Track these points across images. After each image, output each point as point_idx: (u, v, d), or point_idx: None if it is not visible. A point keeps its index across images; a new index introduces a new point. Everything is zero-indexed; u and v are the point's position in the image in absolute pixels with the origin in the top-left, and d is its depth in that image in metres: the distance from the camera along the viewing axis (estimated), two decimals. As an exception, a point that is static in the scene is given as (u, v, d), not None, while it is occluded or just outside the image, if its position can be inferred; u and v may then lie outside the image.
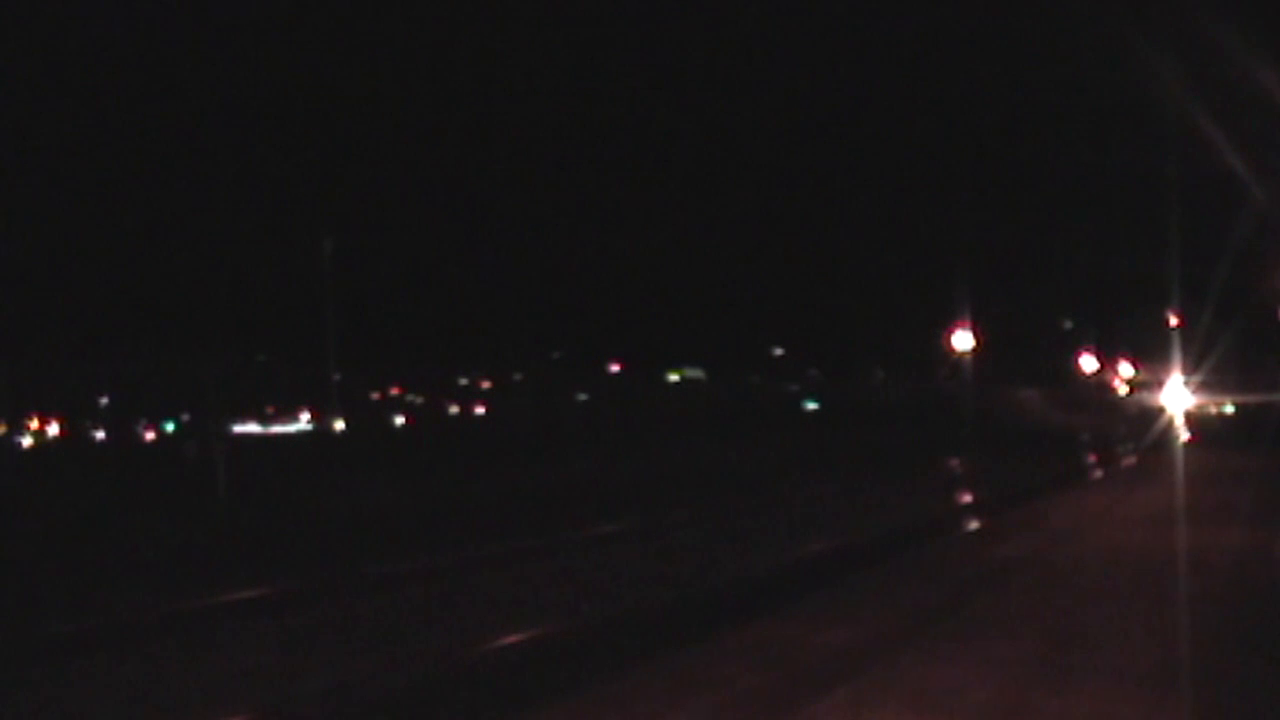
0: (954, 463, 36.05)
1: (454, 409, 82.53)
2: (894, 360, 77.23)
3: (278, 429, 69.94)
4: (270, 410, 73.52)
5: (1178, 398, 39.57)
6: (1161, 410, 41.36)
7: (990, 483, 27.93)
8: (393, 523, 20.55)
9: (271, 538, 19.06)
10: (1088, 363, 57.52)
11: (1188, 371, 38.58)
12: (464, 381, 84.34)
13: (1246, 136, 20.98)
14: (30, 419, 67.37)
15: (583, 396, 77.73)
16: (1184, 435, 39.03)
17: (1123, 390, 60.87)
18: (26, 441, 64.43)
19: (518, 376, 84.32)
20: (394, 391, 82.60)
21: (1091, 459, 37.17)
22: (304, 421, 71.30)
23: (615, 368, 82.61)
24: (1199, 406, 42.54)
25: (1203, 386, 40.36)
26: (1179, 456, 31.63)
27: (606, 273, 73.40)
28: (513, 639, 10.21)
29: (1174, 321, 44.12)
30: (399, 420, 77.10)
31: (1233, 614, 9.56)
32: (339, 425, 55.11)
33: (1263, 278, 35.08)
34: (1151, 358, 51.35)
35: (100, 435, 67.68)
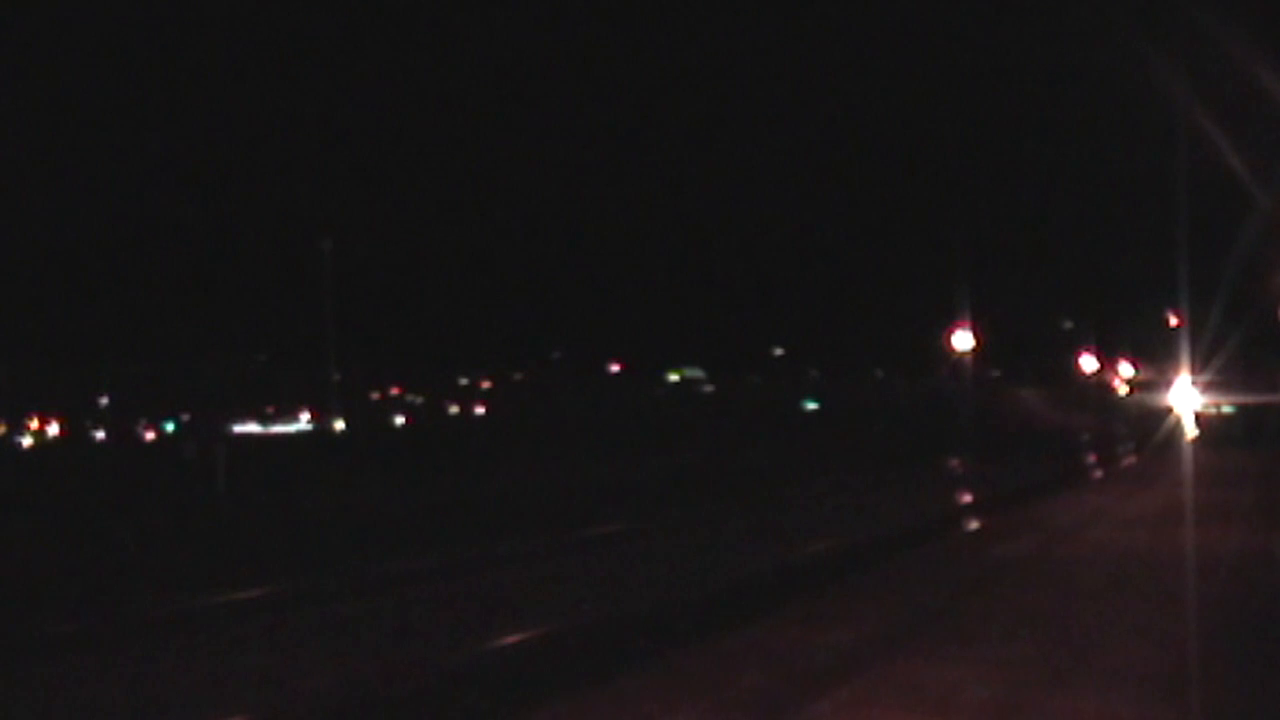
0: (954, 463, 36.06)
1: (454, 409, 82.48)
2: (894, 360, 77.23)
3: (278, 429, 69.86)
4: (270, 410, 73.42)
5: (1185, 398, 39.58)
6: (1169, 410, 41.31)
7: (990, 483, 27.93)
8: (393, 523, 20.55)
9: (271, 538, 19.05)
10: (1088, 363, 57.51)
11: (1195, 371, 38.59)
12: (464, 381, 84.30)
13: (1250, 138, 20.98)
14: (30, 419, 67.31)
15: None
16: (1192, 433, 39.06)
17: (1122, 390, 60.84)
18: (26, 441, 64.37)
19: (518, 376, 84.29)
20: (394, 391, 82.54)
21: (1091, 459, 37.17)
22: (304, 421, 71.23)
23: (615, 368, 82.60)
24: (1204, 407, 42.51)
25: (1208, 387, 40.34)
26: (1179, 456, 31.63)
27: (606, 273, 73.40)
28: (513, 639, 10.21)
29: (1174, 322, 44.09)
30: (399, 420, 77.05)
31: (1233, 615, 9.56)
32: (339, 425, 55.09)
33: (1264, 279, 35.06)
34: (1152, 358, 51.36)
35: (100, 435, 67.60)
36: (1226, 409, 45.77)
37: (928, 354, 57.01)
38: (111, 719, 8.43)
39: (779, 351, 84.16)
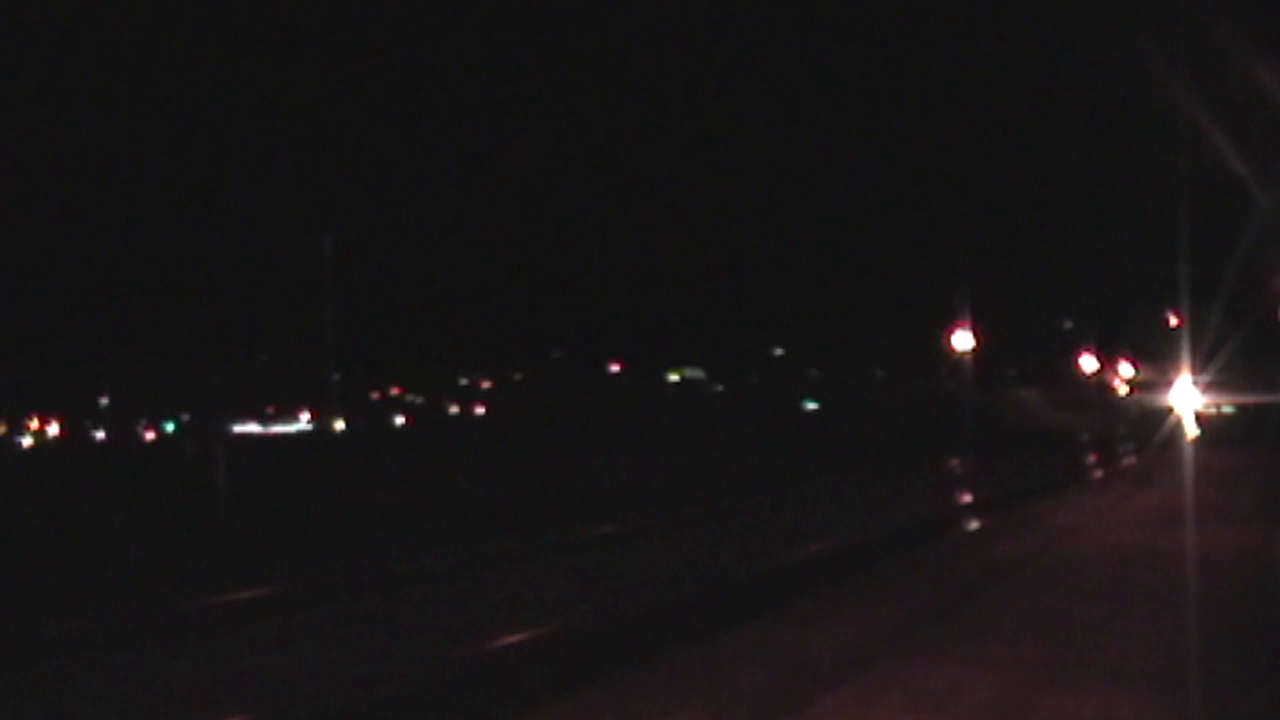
0: (954, 463, 36.06)
1: (454, 409, 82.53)
2: (894, 360, 77.22)
3: (278, 429, 69.88)
4: (270, 410, 73.43)
5: (1187, 398, 39.64)
6: (1169, 410, 41.37)
7: (990, 482, 27.93)
8: (393, 523, 20.55)
9: (271, 538, 19.05)
10: (1088, 363, 57.49)
11: (1196, 371, 38.66)
12: (464, 381, 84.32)
13: (1251, 139, 20.96)
14: (30, 419, 67.33)
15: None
16: (1193, 433, 39.14)
17: (1122, 390, 60.83)
18: (26, 441, 64.40)
19: (518, 376, 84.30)
20: (394, 391, 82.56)
21: (1091, 459, 37.17)
22: (304, 421, 71.23)
23: (615, 368, 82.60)
24: (1204, 407, 42.56)
25: (1209, 387, 40.38)
26: (1179, 456, 31.64)
27: (607, 273, 73.36)
28: (513, 639, 10.22)
29: (1174, 322, 44.10)
30: (399, 420, 77.09)
31: (1233, 614, 9.56)
32: (339, 425, 55.12)
33: (1264, 279, 35.06)
34: (1153, 358, 51.33)
35: (100, 435, 67.62)
36: (1227, 409, 45.81)
37: (928, 354, 57.00)
38: (112, 719, 8.44)
39: (779, 351, 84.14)
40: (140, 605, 12.44)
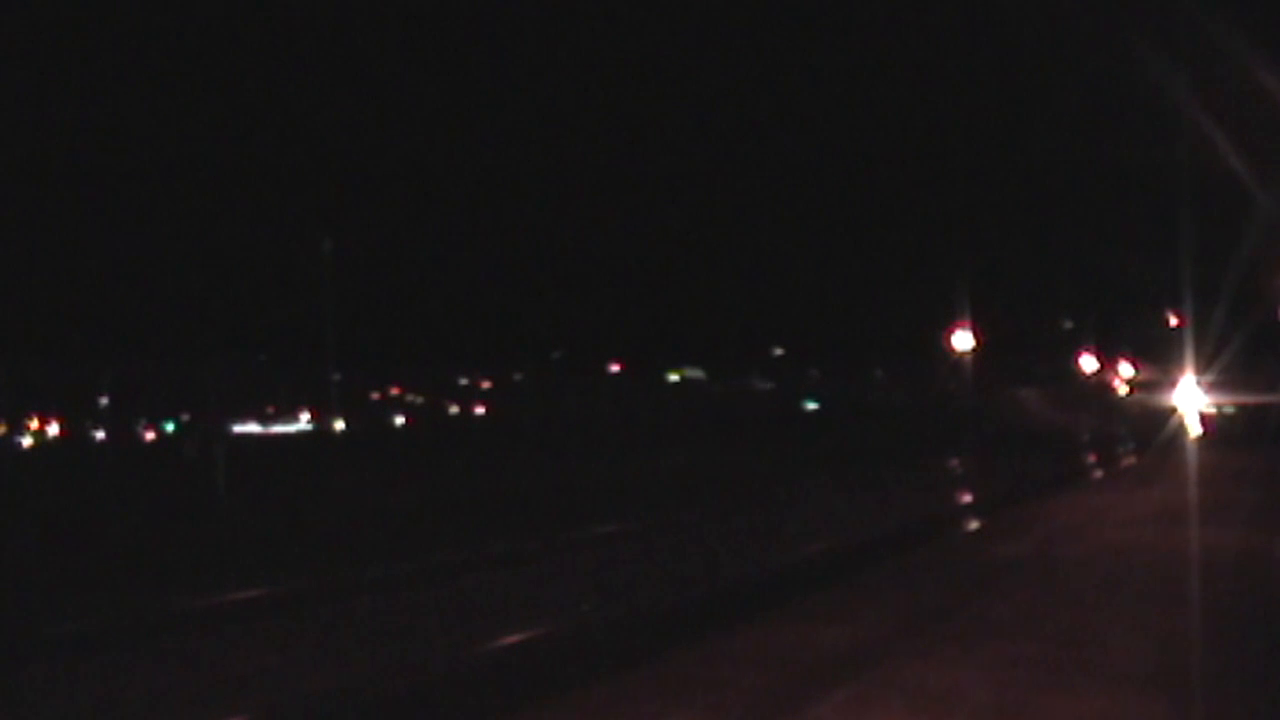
0: (954, 463, 36.05)
1: (454, 409, 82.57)
2: (894, 360, 77.18)
3: (278, 429, 69.89)
4: (270, 410, 73.45)
5: (1190, 398, 39.64)
6: (1172, 410, 41.36)
7: (990, 483, 27.91)
8: (392, 523, 20.55)
9: (271, 538, 19.05)
10: (1088, 363, 57.49)
11: (1198, 371, 38.66)
12: (464, 381, 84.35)
13: (1252, 139, 20.94)
14: (30, 419, 67.33)
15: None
16: (1196, 432, 39.17)
17: (1123, 390, 60.80)
18: (26, 441, 64.39)
19: (518, 376, 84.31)
20: (394, 391, 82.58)
21: (1092, 459, 37.16)
22: (304, 421, 71.25)
23: (615, 368, 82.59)
24: (1206, 407, 42.57)
25: (1210, 387, 40.40)
26: (1179, 456, 31.64)
27: (606, 273, 73.37)
28: (513, 639, 10.21)
29: (1174, 322, 44.15)
30: (399, 420, 77.13)
31: (1233, 615, 9.55)
32: (339, 425, 55.15)
33: (1264, 279, 35.07)
34: (1154, 358, 51.36)
35: (100, 435, 67.59)
36: (1228, 409, 45.82)
37: (928, 354, 56.98)
38: (112, 719, 8.43)
39: (779, 351, 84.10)
40: (140, 605, 12.44)
